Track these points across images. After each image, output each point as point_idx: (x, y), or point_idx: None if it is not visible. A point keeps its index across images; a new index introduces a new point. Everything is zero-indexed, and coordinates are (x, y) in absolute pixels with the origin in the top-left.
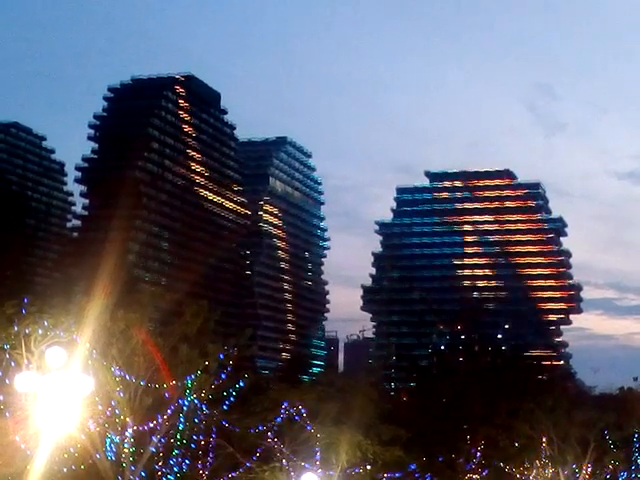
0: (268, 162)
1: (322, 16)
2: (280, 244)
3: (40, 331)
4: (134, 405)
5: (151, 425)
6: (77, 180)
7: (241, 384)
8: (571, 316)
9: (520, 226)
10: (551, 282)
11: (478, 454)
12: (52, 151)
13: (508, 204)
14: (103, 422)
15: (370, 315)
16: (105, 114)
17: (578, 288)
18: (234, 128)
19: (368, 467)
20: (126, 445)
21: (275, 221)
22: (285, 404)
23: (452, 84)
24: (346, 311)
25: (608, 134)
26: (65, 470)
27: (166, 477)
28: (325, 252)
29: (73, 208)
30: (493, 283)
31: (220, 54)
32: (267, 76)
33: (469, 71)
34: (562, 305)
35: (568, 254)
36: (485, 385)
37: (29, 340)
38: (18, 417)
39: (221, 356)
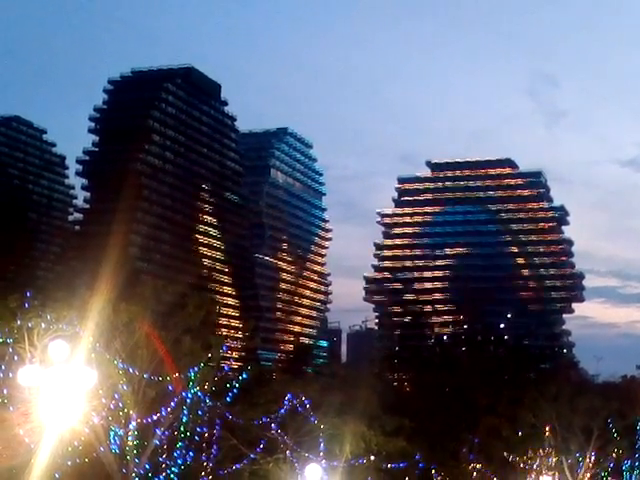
0: (269, 153)
1: (323, 7)
2: (281, 235)
3: (43, 324)
4: (137, 398)
5: (155, 418)
6: (78, 173)
7: (244, 376)
8: (573, 304)
9: (522, 215)
10: (553, 271)
11: (481, 444)
12: (53, 144)
13: (509, 193)
14: (107, 415)
15: (372, 306)
16: (105, 107)
17: (580, 276)
18: (235, 119)
19: (372, 458)
20: (130, 438)
21: (276, 212)
22: (288, 395)
23: (453, 73)
24: (348, 302)
25: (610, 122)
26: (69, 463)
27: (170, 469)
28: (327, 243)
29: (74, 201)
30: (495, 273)
31: (220, 46)
32: (267, 67)
33: (470, 60)
34: (564, 294)
35: (570, 242)
36: (488, 375)
37: (32, 334)
38: (22, 410)
39: (224, 348)
